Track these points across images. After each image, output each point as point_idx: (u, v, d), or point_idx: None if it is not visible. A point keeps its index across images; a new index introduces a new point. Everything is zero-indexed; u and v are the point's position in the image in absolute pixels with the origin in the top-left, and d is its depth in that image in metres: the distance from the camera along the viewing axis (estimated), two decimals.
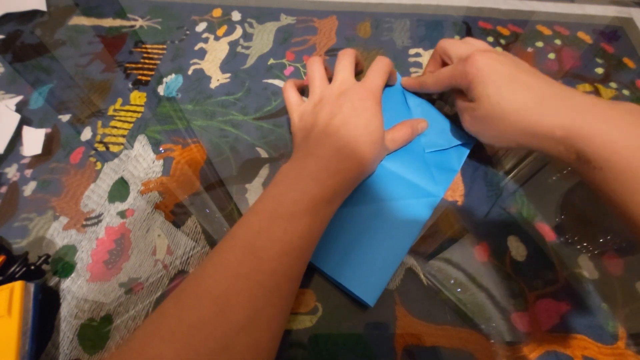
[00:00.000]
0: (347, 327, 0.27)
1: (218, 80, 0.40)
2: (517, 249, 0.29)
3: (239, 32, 0.44)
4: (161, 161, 0.35)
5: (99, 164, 0.35)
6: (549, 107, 0.24)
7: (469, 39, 0.31)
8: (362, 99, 0.29)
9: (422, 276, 0.28)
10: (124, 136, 0.36)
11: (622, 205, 0.21)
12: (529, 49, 0.42)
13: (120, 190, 0.33)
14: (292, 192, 0.25)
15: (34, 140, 0.36)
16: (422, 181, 0.31)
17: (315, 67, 0.33)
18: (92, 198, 0.33)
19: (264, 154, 0.35)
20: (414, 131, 0.32)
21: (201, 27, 0.45)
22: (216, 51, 0.43)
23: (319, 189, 0.25)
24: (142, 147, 0.36)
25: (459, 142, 0.33)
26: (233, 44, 0.43)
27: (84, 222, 0.31)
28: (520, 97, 0.25)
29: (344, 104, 0.29)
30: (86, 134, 0.37)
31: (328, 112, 0.29)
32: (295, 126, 0.31)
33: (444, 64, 0.32)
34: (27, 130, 0.37)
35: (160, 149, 0.35)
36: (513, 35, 0.43)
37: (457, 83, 0.29)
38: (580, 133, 0.22)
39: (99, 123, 0.37)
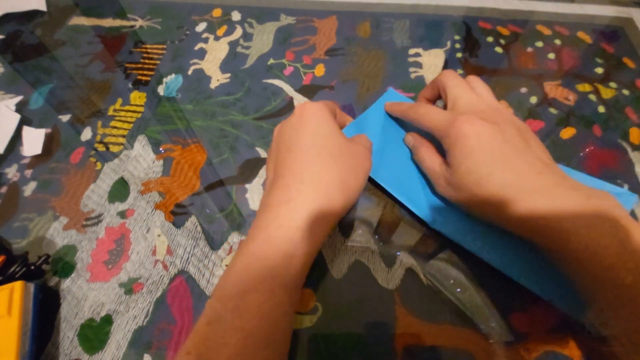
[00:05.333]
0: (347, 327, 0.27)
1: (218, 80, 0.40)
2: None
3: (238, 32, 0.44)
4: (161, 161, 0.35)
5: (99, 164, 0.35)
6: (527, 198, 0.22)
7: (473, 81, 0.28)
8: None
9: (422, 276, 0.28)
10: (124, 136, 0.36)
11: (587, 294, 0.22)
12: (529, 49, 0.42)
13: (120, 190, 0.33)
14: (238, 258, 0.22)
15: (34, 140, 0.36)
16: None
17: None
18: (92, 198, 0.33)
19: (264, 154, 0.35)
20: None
21: (201, 27, 0.45)
22: (216, 51, 0.43)
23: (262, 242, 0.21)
24: (142, 147, 0.36)
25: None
26: (233, 44, 0.43)
27: (84, 222, 0.31)
28: (500, 178, 0.23)
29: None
30: (86, 134, 0.37)
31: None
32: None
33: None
34: (27, 130, 0.37)
35: (160, 149, 0.35)
36: (513, 35, 0.43)
37: (437, 137, 0.27)
38: (556, 231, 0.21)
39: (99, 123, 0.37)
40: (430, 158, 0.28)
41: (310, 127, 0.25)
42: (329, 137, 0.25)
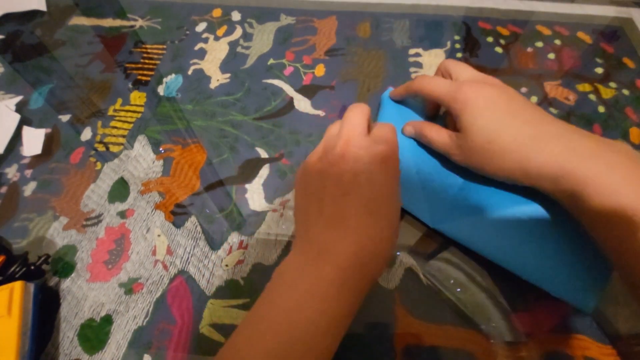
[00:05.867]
0: None
1: (218, 80, 0.40)
2: None
3: (238, 32, 0.44)
4: (161, 161, 0.35)
5: (99, 164, 0.35)
6: (544, 144, 0.22)
7: (475, 71, 0.29)
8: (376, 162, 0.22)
9: (421, 276, 0.28)
10: (124, 136, 0.36)
11: (611, 248, 0.21)
12: (529, 49, 0.42)
13: (120, 190, 0.33)
14: (307, 310, 0.19)
15: (34, 140, 0.36)
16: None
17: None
18: (92, 198, 0.33)
19: (264, 154, 0.35)
20: None
21: (201, 27, 0.45)
22: (216, 51, 0.43)
23: (338, 306, 0.20)
24: (142, 147, 0.36)
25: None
26: (233, 44, 0.43)
27: (84, 222, 0.31)
28: (513, 130, 0.24)
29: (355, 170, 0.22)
30: (86, 134, 0.37)
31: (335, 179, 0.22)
32: (296, 181, 0.25)
33: None
34: (27, 130, 0.37)
35: (160, 149, 0.35)
36: (513, 35, 0.43)
37: (445, 104, 0.27)
38: (576, 174, 0.21)
39: (99, 123, 0.37)
40: (437, 133, 0.29)
41: (391, 196, 0.22)
42: (398, 209, 0.23)
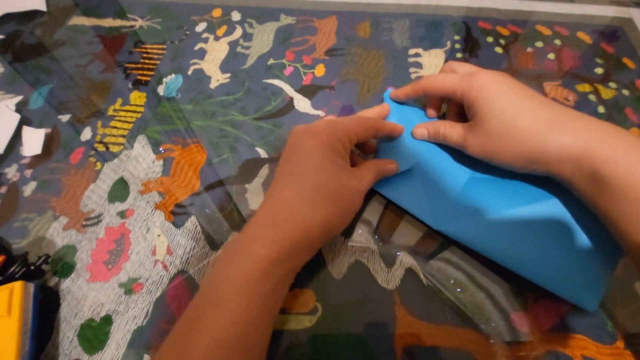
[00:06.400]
0: (347, 327, 0.27)
1: (218, 80, 0.40)
2: None
3: (238, 32, 0.44)
4: (161, 161, 0.35)
5: (99, 164, 0.35)
6: (564, 125, 0.23)
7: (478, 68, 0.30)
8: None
9: (421, 276, 0.28)
10: (124, 136, 0.36)
11: (630, 230, 0.20)
12: (529, 49, 0.42)
13: (120, 190, 0.33)
14: (225, 270, 0.22)
15: (34, 141, 0.36)
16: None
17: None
18: (92, 198, 0.33)
19: (264, 154, 0.35)
20: (378, 173, 0.28)
21: (201, 27, 0.45)
22: (216, 51, 0.43)
23: (250, 261, 0.21)
24: (142, 147, 0.36)
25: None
26: (233, 44, 0.43)
27: (84, 222, 0.31)
28: (531, 113, 0.24)
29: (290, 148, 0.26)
30: (86, 134, 0.37)
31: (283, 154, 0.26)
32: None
33: None
34: (27, 131, 0.37)
35: (160, 149, 0.35)
36: (513, 35, 0.43)
37: (457, 94, 0.27)
38: (598, 153, 0.21)
39: (99, 123, 0.37)
40: (452, 128, 0.29)
41: (314, 160, 0.24)
42: (328, 177, 0.24)
